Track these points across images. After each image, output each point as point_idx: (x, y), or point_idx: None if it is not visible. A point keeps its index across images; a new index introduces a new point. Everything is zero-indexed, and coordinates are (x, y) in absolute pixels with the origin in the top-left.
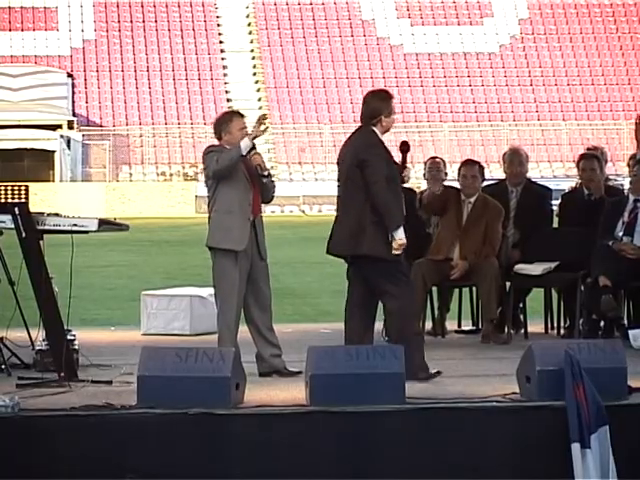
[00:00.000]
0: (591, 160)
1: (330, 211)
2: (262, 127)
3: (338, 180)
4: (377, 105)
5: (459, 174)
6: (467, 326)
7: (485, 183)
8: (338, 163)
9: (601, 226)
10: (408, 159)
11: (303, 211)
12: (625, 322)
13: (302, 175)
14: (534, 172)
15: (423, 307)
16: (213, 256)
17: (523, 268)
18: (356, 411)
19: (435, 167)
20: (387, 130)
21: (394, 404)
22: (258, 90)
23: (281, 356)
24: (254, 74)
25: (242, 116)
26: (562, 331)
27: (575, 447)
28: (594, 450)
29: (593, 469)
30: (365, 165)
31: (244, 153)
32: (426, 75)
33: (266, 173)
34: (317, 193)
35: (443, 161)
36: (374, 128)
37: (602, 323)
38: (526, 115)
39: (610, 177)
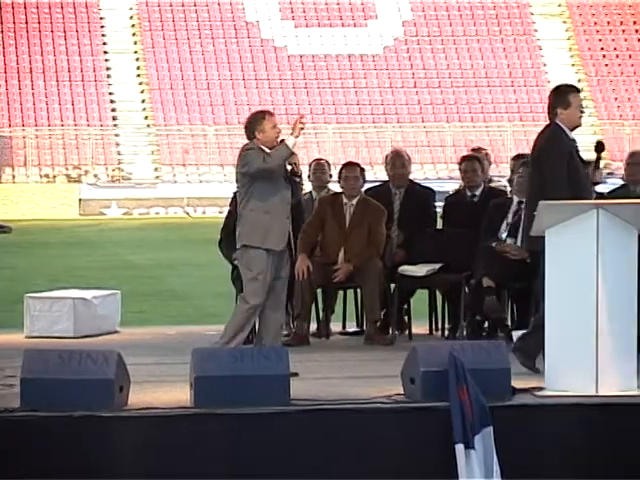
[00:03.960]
0: (472, 161)
1: (214, 213)
2: (300, 126)
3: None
4: (552, 99)
5: (340, 176)
6: (351, 328)
7: (368, 185)
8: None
9: (484, 228)
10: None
11: (187, 213)
12: (509, 323)
13: (186, 177)
14: (418, 174)
15: (309, 309)
16: (245, 253)
17: (407, 269)
18: (241, 413)
19: (319, 169)
20: (573, 123)
21: (279, 406)
22: (142, 92)
23: None
24: (138, 75)
25: (273, 115)
26: (446, 332)
27: (459, 448)
28: (478, 451)
29: (477, 469)
30: (542, 162)
31: (293, 150)
32: (310, 77)
33: (300, 173)
34: (201, 195)
35: (327, 163)
36: (558, 122)
37: (486, 324)
38: (410, 117)
39: (493, 178)
